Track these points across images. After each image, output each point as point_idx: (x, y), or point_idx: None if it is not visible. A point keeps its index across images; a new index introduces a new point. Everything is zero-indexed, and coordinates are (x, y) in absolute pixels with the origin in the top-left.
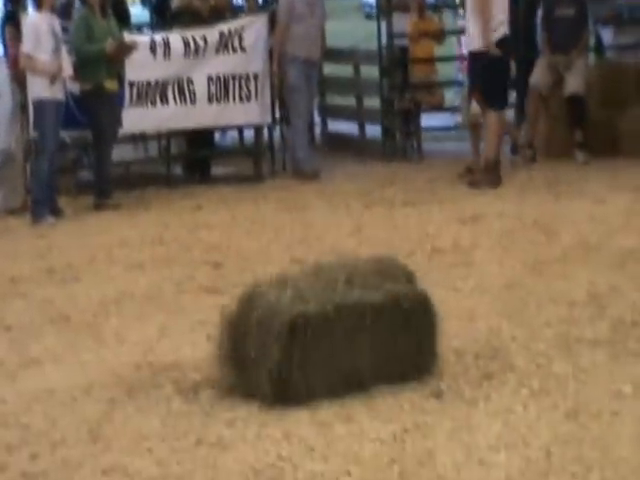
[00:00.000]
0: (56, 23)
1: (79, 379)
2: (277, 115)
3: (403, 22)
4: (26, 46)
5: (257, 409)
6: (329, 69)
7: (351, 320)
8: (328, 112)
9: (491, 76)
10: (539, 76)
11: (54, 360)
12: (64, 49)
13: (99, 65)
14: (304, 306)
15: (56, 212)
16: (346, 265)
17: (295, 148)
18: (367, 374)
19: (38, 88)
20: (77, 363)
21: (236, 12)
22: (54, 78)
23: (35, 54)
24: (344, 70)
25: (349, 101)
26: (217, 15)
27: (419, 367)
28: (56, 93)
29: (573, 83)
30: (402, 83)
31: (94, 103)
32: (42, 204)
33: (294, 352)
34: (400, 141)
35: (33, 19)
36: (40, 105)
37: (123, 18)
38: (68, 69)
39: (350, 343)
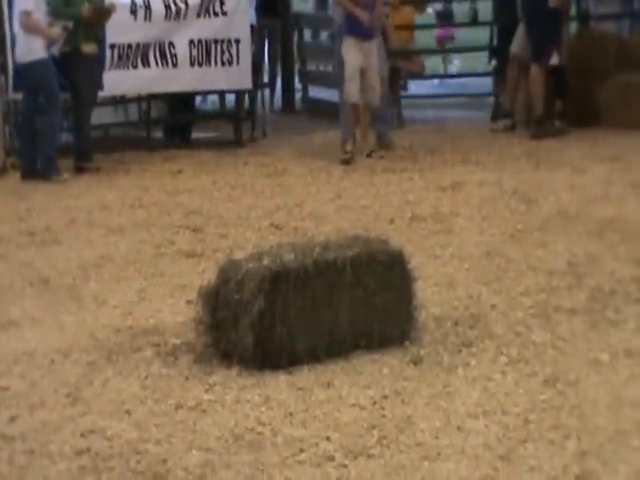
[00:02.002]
0: None
1: (58, 342)
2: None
3: None
4: (27, 4)
5: (236, 374)
6: (308, 36)
7: (330, 275)
8: (309, 78)
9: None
10: (519, 45)
11: (33, 323)
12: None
13: (76, 28)
14: (284, 262)
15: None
16: (321, 240)
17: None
18: (346, 332)
19: (37, 47)
20: (56, 326)
21: None
22: (53, 40)
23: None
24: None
25: (329, 67)
26: None
27: (397, 325)
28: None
29: None
30: None
31: (73, 66)
32: (53, 160)
33: (276, 302)
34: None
35: None
36: (42, 63)
37: None
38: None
39: (329, 299)
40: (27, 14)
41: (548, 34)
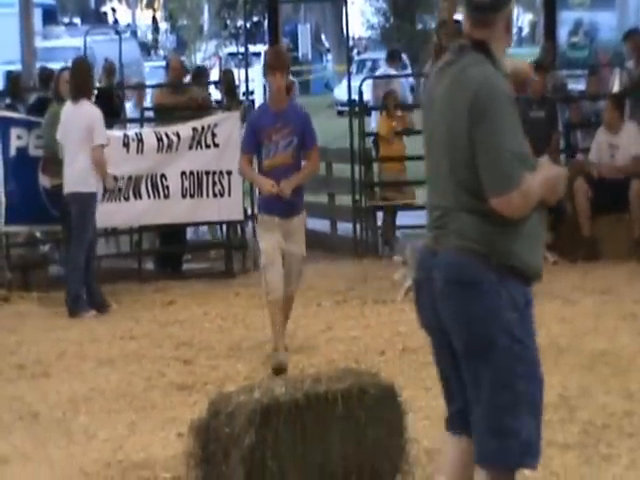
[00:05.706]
0: None
1: (48, 478)
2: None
3: (373, 120)
4: (101, 138)
5: None
6: None
7: (320, 408)
8: None
9: None
10: None
11: (23, 458)
12: None
13: None
14: (275, 396)
15: (101, 306)
16: (311, 373)
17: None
18: (337, 466)
19: (93, 181)
20: (46, 461)
21: (211, 108)
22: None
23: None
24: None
25: (321, 198)
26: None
27: (389, 459)
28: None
29: None
30: (372, 181)
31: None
32: (80, 297)
33: (267, 436)
34: (372, 239)
35: (98, 112)
36: (91, 198)
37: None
38: None
39: (320, 433)
40: (100, 149)
41: None
